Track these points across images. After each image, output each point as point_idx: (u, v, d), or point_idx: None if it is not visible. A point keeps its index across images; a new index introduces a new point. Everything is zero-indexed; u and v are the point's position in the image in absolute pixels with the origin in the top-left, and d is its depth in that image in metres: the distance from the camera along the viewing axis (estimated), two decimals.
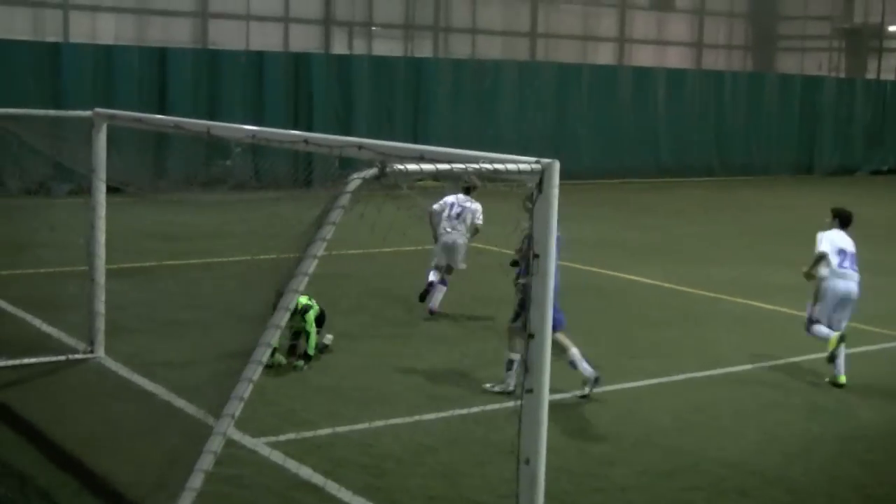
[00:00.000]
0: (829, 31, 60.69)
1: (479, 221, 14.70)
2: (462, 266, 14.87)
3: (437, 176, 5.97)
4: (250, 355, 5.50)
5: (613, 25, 61.73)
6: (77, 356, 11.78)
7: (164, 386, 10.72)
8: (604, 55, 59.45)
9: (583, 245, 21.06)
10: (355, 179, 5.47)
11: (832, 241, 12.34)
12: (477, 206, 14.74)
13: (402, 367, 12.03)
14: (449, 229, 14.75)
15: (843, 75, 56.08)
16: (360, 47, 51.16)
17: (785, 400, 11.56)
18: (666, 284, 17.85)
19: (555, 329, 10.50)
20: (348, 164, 6.86)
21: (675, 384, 12.00)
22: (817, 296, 12.37)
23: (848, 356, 12.32)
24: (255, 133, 8.73)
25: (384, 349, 12.85)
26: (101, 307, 11.79)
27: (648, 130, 37.13)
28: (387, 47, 50.47)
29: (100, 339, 11.84)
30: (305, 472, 8.55)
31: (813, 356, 13.17)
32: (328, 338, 12.54)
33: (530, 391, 6.13)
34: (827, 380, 12.23)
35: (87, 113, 11.66)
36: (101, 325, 11.83)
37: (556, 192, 6.00)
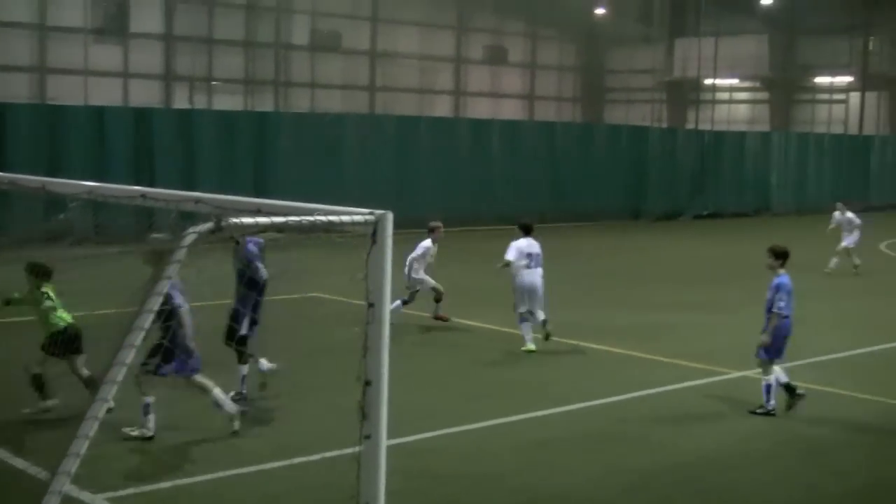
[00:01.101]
0: (652, 83, 62.69)
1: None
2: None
3: (280, 228, 5.91)
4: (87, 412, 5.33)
5: (450, 79, 62.68)
6: None
7: (5, 448, 10.32)
8: (441, 107, 60.25)
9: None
10: (191, 234, 5.38)
11: (519, 248, 15.87)
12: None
13: (243, 417, 11.83)
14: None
15: (665, 125, 57.87)
16: (201, 102, 50.55)
17: (623, 434, 11.76)
18: (505, 329, 17.99)
19: (192, 373, 10.85)
20: (188, 218, 6.76)
21: (517, 423, 12.09)
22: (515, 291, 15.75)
23: (677, 391, 12.60)
24: (91, 189, 8.52)
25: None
26: None
27: (486, 179, 37.54)
28: (228, 101, 50.10)
29: None
30: None
31: (646, 392, 13.44)
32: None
33: (368, 437, 6.10)
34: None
35: None
36: None
37: (389, 242, 6.01)
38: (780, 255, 12.50)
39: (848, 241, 26.37)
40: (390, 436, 6.29)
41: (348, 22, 56.85)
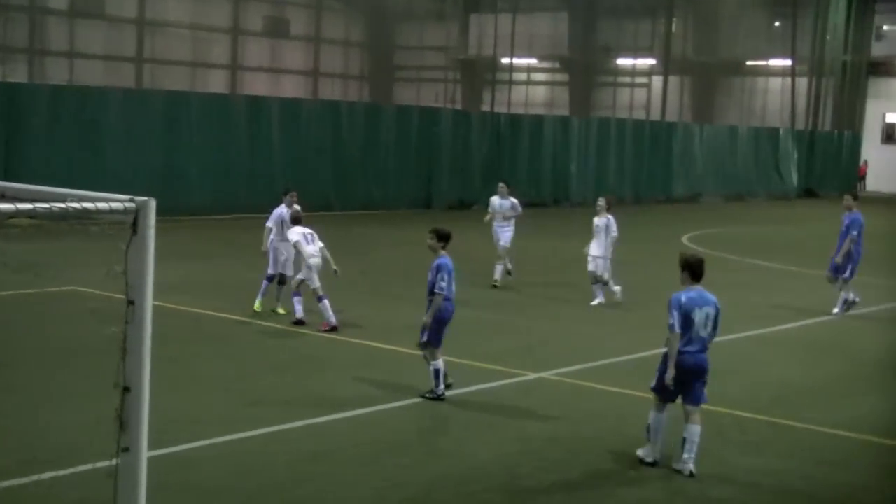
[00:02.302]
0: (445, 62, 63.42)
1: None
2: None
3: (32, 215, 5.68)
4: None
5: (225, 52, 61.84)
6: None
7: None
8: (215, 83, 59.37)
9: (192, 286, 20.89)
10: None
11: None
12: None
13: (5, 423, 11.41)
14: None
15: (459, 107, 58.62)
16: None
17: (406, 443, 11.85)
18: (284, 327, 17.89)
19: None
20: None
21: (295, 431, 12.01)
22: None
23: (467, 395, 12.79)
24: None
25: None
26: None
27: (264, 163, 37.17)
28: None
29: None
30: None
31: (430, 397, 13.58)
32: None
33: (126, 449, 5.96)
34: None
35: None
36: None
37: (152, 232, 5.88)
38: (443, 238, 13.54)
39: (505, 237, 24.01)
40: (153, 446, 6.17)
41: None
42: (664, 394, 11.40)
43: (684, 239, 34.62)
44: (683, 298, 11.17)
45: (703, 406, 11.44)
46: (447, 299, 13.32)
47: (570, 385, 14.91)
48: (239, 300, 19.60)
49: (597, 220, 21.80)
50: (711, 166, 57.01)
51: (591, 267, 21.74)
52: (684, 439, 11.23)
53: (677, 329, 11.08)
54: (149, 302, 5.98)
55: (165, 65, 57.54)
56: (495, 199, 24.69)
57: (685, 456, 11.22)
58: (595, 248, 21.72)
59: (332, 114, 40.46)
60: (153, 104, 35.01)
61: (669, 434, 11.47)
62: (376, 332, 17.69)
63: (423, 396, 13.62)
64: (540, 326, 19.25)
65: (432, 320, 13.34)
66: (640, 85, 67.15)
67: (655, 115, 61.52)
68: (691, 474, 11.11)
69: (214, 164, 35.76)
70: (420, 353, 13.79)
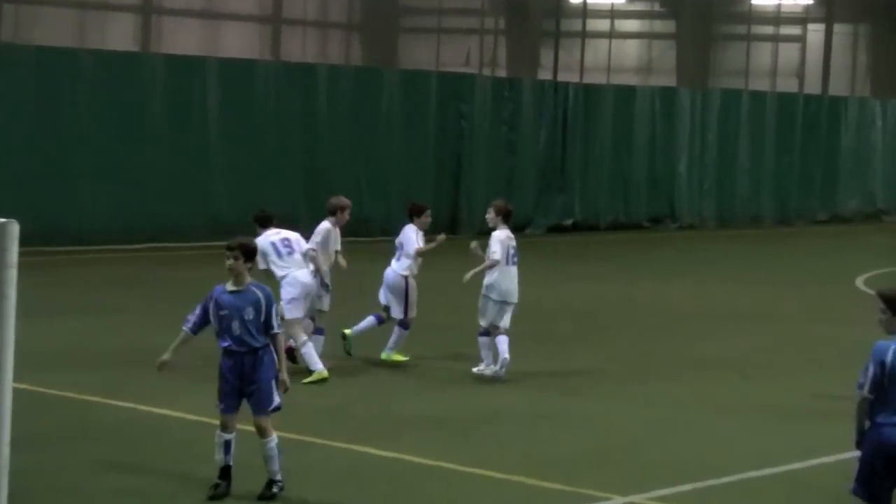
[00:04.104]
0: (481, 2, 63.72)
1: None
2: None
3: None
4: None
5: None
6: None
7: None
8: (116, 35, 59.54)
9: (81, 357, 21.01)
10: None
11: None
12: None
13: None
14: None
15: (503, 73, 58.61)
16: None
17: None
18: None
19: None
20: None
21: None
22: None
23: None
24: None
25: None
26: None
27: (193, 163, 37.64)
28: None
29: None
30: None
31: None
32: None
33: None
34: None
35: None
36: None
37: (13, 273, 5.78)
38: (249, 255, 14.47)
39: None
40: None
41: None
42: (868, 488, 11.49)
43: (859, 282, 34.49)
44: (893, 349, 11.41)
45: None
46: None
47: None
48: (163, 379, 19.48)
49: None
50: None
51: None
52: None
53: (867, 390, 11.38)
54: (6, 385, 5.88)
55: (36, 4, 57.86)
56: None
57: None
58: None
59: (303, 83, 40.58)
60: (16, 67, 35.06)
61: None
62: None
63: None
64: (622, 415, 19.34)
65: None
66: (790, 38, 67.14)
67: (813, 85, 61.47)
68: None
69: (114, 166, 35.67)
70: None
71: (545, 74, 58.45)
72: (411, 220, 21.96)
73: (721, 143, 50.31)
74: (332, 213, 21.62)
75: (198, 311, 14.33)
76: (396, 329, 21.82)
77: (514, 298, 21.10)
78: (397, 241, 22.03)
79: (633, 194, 47.65)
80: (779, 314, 27.11)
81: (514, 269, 21.20)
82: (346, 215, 21.70)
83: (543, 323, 25.21)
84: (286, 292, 19.77)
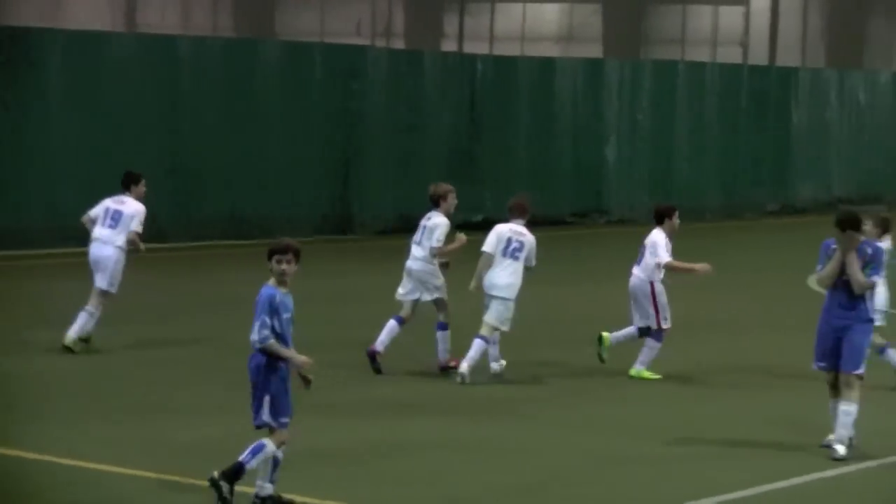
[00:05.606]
0: None
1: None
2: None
3: None
4: None
5: None
6: None
7: None
8: None
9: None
10: None
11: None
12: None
13: None
14: None
15: (400, 44, 58.61)
16: None
17: None
18: None
19: None
20: None
21: None
22: None
23: None
24: None
25: None
26: None
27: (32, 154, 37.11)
28: None
29: None
30: None
31: None
32: None
33: None
34: None
35: None
36: None
37: None
38: None
39: None
40: None
41: None
42: None
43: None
44: None
45: None
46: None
47: None
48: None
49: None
50: (863, 150, 57.02)
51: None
52: None
53: None
54: None
55: None
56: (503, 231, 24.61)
57: None
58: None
59: (163, 58, 40.36)
60: None
61: None
62: None
63: None
64: (555, 443, 19.46)
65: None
66: (732, 1, 67.44)
67: (759, 55, 61.74)
68: None
69: None
70: None
71: (450, 45, 58.65)
72: (660, 224, 23.98)
73: (655, 124, 50.51)
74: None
75: (265, 318, 15.44)
76: (648, 341, 23.74)
77: (498, 292, 23.57)
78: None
79: (555, 185, 47.76)
80: (725, 321, 27.12)
81: (507, 262, 23.56)
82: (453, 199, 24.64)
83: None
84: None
